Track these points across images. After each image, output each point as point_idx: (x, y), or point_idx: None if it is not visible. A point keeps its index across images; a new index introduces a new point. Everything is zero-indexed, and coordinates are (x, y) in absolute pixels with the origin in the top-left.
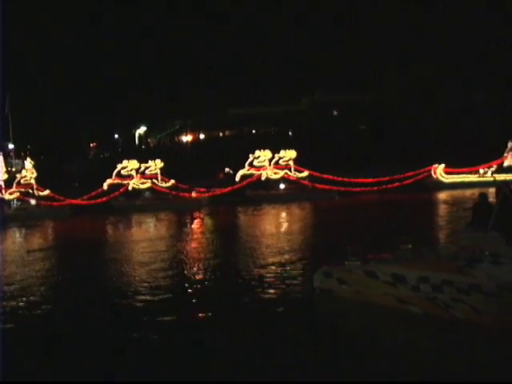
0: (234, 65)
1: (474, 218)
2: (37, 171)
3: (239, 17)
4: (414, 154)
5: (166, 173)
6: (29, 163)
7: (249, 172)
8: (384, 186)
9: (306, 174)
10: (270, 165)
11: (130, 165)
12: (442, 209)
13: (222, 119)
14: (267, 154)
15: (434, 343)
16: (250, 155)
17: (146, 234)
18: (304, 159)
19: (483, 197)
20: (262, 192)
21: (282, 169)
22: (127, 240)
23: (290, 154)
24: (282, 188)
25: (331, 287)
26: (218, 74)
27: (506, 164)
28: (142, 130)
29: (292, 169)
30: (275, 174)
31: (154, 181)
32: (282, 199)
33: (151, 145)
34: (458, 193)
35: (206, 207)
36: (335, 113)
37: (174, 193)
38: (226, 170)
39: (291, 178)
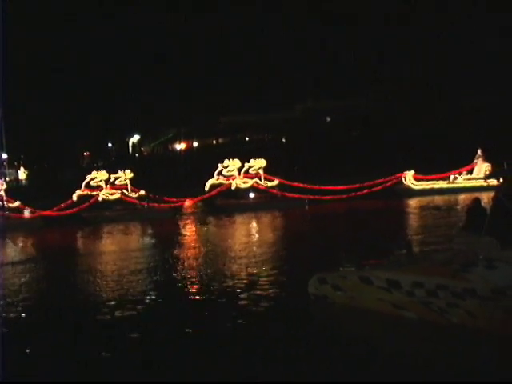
0: (226, 72)
1: (468, 222)
2: (30, 181)
3: (233, 23)
4: (399, 160)
5: (159, 182)
6: (22, 173)
7: (218, 181)
8: (353, 194)
9: (276, 182)
10: (239, 174)
11: (99, 176)
12: (412, 215)
13: (215, 127)
14: (236, 163)
15: (430, 348)
16: (219, 164)
17: (114, 246)
18: (297, 165)
19: (477, 201)
20: (232, 201)
21: (252, 178)
22: (95, 252)
23: (260, 162)
24: (252, 197)
25: (326, 293)
26: (211, 81)
27: (475, 171)
28: (135, 138)
29: (262, 177)
30: (244, 183)
31: (124, 191)
32: (251, 208)
33: (145, 153)
34: (428, 199)
35: (177, 216)
36: (328, 119)
37: (143, 203)
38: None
39: (260, 187)
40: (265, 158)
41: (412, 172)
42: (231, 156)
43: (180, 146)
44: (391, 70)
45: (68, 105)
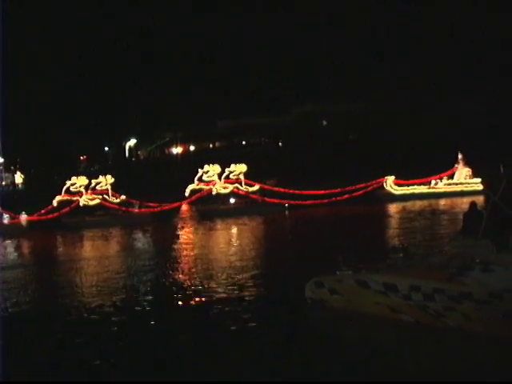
0: (223, 76)
1: (465, 226)
2: (27, 185)
3: (231, 27)
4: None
5: (155, 185)
6: (19, 177)
7: (198, 187)
8: (334, 199)
9: (256, 187)
10: (220, 179)
11: (78, 181)
12: (392, 220)
13: (212, 130)
14: (216, 168)
15: (426, 351)
16: (200, 170)
17: (94, 252)
18: (292, 170)
19: (473, 205)
20: (213, 207)
21: (233, 183)
22: (71, 259)
23: (241, 168)
24: (233, 202)
25: (323, 297)
26: (208, 85)
27: (456, 176)
28: (132, 142)
29: (243, 183)
30: (224, 188)
31: (105, 196)
32: (232, 213)
33: (141, 157)
34: (408, 204)
35: (156, 222)
36: (325, 123)
37: (123, 208)
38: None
39: (240, 193)
40: (261, 162)
41: (392, 177)
42: (229, 159)
43: (177, 150)
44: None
45: (65, 109)
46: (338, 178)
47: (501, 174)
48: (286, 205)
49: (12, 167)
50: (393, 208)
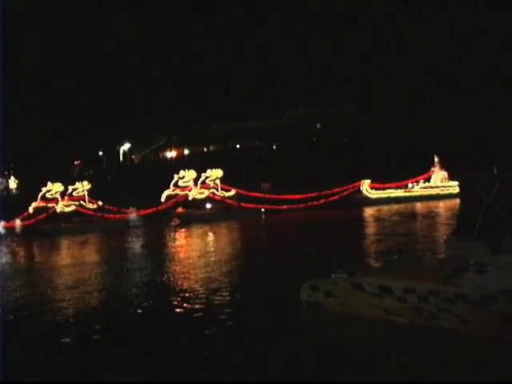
0: (217, 79)
1: (459, 228)
2: (21, 190)
3: (223, 31)
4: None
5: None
6: (13, 182)
7: (174, 192)
8: (310, 203)
9: (233, 192)
10: (196, 184)
11: (54, 188)
12: (367, 224)
13: (206, 134)
14: (192, 173)
15: (421, 353)
16: (175, 175)
17: (71, 260)
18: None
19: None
20: (189, 212)
21: (209, 188)
22: (44, 266)
23: (217, 173)
24: (209, 207)
25: (318, 300)
26: (202, 88)
27: (432, 179)
28: (126, 146)
29: (219, 188)
30: (200, 193)
31: (82, 203)
32: (208, 219)
33: (136, 161)
34: (384, 208)
35: (132, 228)
36: (319, 126)
37: (99, 214)
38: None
39: (216, 198)
40: (256, 165)
41: (368, 181)
42: (223, 163)
43: (171, 154)
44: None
45: (59, 114)
46: (332, 180)
47: (494, 176)
48: (263, 209)
49: (6, 172)
50: (366, 212)
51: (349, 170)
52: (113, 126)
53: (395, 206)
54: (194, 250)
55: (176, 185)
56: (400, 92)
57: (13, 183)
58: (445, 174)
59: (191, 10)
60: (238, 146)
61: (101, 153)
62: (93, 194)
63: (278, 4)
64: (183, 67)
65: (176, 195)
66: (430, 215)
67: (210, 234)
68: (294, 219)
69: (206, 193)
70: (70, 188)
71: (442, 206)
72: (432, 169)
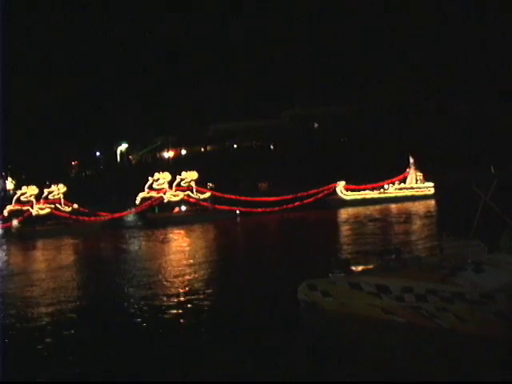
0: (214, 79)
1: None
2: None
3: (220, 32)
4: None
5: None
6: (10, 183)
7: (148, 195)
8: (285, 206)
9: (208, 194)
10: (171, 187)
11: (29, 191)
12: (340, 226)
13: (203, 135)
14: (166, 176)
15: (419, 353)
16: (150, 178)
17: (37, 265)
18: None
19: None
20: (164, 214)
21: (184, 190)
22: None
23: (192, 175)
24: (184, 210)
25: (316, 300)
26: (199, 89)
27: (407, 180)
28: (123, 147)
29: (194, 190)
30: (175, 196)
31: (57, 205)
32: (183, 221)
33: (133, 162)
34: (358, 210)
35: (105, 231)
36: (316, 125)
37: (73, 217)
38: (209, 184)
39: (191, 200)
40: (253, 165)
41: (343, 183)
42: (221, 163)
43: (168, 154)
44: None
45: (56, 114)
46: (331, 179)
47: (492, 175)
48: (238, 212)
49: (3, 173)
50: (339, 214)
51: (330, 172)
52: (110, 127)
53: (370, 208)
54: (163, 254)
55: (151, 187)
56: (399, 90)
57: (10, 184)
58: (420, 174)
59: (191, 10)
60: (235, 146)
61: (98, 153)
62: (93, 194)
63: (277, 4)
64: (181, 67)
65: (151, 197)
66: (404, 216)
67: (184, 237)
68: (269, 221)
69: (181, 195)
70: (46, 191)
71: (416, 206)
72: (407, 170)
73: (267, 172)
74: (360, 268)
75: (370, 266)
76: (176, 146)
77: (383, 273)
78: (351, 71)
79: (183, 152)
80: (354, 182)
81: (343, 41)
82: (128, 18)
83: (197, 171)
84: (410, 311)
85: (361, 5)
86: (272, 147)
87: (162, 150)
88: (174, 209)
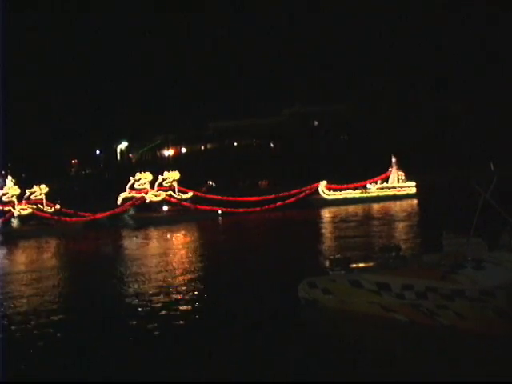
0: (213, 78)
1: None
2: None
3: (219, 31)
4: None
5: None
6: (10, 181)
7: (130, 195)
8: (266, 206)
9: (190, 194)
10: (153, 187)
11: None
12: (321, 226)
13: (203, 132)
14: (148, 176)
15: (420, 350)
16: (131, 178)
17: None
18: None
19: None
20: (145, 214)
21: (166, 190)
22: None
23: (174, 175)
24: (165, 210)
25: (316, 297)
26: (198, 87)
27: (390, 180)
28: (123, 145)
29: (176, 190)
30: (156, 196)
31: (40, 206)
32: (165, 221)
33: (133, 160)
34: (340, 209)
35: (87, 231)
36: (316, 123)
37: (55, 218)
38: (209, 183)
39: (172, 200)
40: (253, 163)
41: (324, 182)
42: (221, 161)
43: (168, 153)
44: None
45: (55, 112)
46: (334, 177)
47: (492, 171)
48: (219, 212)
49: (3, 171)
50: (324, 213)
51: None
52: (110, 125)
53: (351, 207)
54: (151, 255)
55: (132, 187)
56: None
57: (10, 183)
58: (402, 174)
59: (191, 10)
60: (235, 143)
61: (98, 151)
62: (93, 194)
63: (276, 3)
64: (181, 65)
65: (132, 198)
66: (385, 215)
67: (168, 236)
68: (251, 221)
69: (163, 195)
70: (28, 191)
71: (397, 205)
72: (389, 169)
73: (267, 170)
74: (360, 265)
75: (371, 264)
76: (176, 144)
77: (383, 270)
78: (351, 69)
79: (183, 150)
80: (337, 182)
81: (344, 39)
82: (127, 18)
83: (197, 169)
84: (410, 309)
85: (361, 5)
86: (272, 145)
87: (162, 148)
88: (156, 209)
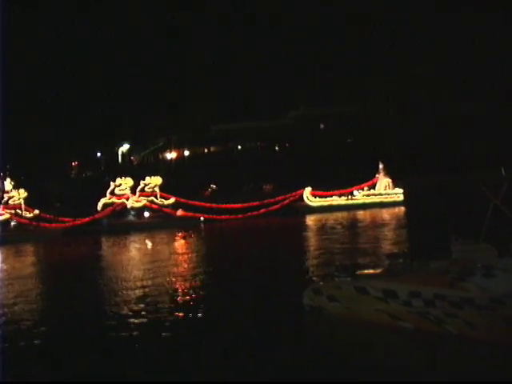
0: (217, 79)
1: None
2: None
3: (224, 32)
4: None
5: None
6: (9, 183)
7: (110, 201)
8: (249, 213)
9: (172, 200)
10: (134, 192)
11: None
12: (304, 233)
13: (207, 135)
14: (128, 181)
15: (427, 359)
16: (112, 183)
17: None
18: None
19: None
20: (125, 220)
21: (148, 196)
22: None
23: (156, 180)
24: (147, 216)
25: (321, 304)
26: (202, 89)
27: (377, 187)
28: (125, 147)
29: (158, 196)
30: (137, 201)
31: (18, 211)
32: (145, 228)
33: (135, 162)
34: (325, 216)
35: (67, 237)
36: (322, 126)
37: (34, 223)
38: (212, 186)
39: (153, 206)
40: (258, 167)
41: (309, 189)
42: (224, 164)
43: (171, 155)
44: None
45: (56, 114)
46: (339, 180)
47: (503, 176)
48: (202, 218)
49: (2, 173)
50: (308, 220)
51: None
52: (112, 127)
53: (337, 214)
54: (128, 260)
55: (112, 193)
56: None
57: (9, 185)
58: (389, 180)
59: (191, 10)
60: (239, 147)
61: (99, 154)
62: (92, 197)
63: (277, 4)
64: (183, 67)
65: (112, 203)
66: (368, 223)
67: (148, 243)
68: (233, 228)
69: (144, 201)
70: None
71: (384, 212)
72: (376, 175)
73: (272, 174)
74: (366, 272)
75: (377, 270)
76: (179, 147)
77: (390, 277)
78: (354, 71)
79: (186, 153)
80: (323, 188)
81: (348, 41)
82: (128, 18)
83: (199, 172)
84: (417, 317)
85: (361, 5)
86: (277, 148)
87: (164, 150)
88: (136, 215)
